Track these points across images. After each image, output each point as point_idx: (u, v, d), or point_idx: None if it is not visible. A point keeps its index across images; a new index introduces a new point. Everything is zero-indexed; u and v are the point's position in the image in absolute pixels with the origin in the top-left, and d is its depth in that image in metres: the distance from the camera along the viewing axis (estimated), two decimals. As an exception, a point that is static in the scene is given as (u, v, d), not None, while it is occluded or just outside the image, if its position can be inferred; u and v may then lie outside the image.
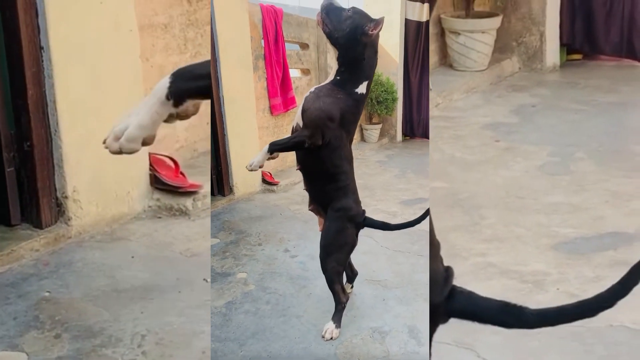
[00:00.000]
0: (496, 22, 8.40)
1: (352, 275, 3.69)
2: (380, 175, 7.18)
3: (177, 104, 1.87)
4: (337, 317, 3.28)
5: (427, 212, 3.33)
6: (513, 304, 1.91)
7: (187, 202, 4.39)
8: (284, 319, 3.42)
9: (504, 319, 1.92)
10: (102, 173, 4.08)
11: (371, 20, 3.05)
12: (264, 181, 6.44)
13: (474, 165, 5.17)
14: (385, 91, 9.02)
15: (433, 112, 7.03)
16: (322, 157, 3.18)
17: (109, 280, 3.42)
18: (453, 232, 4.09)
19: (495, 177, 4.89)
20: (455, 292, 1.98)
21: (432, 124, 7.50)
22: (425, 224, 3.47)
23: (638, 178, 4.67)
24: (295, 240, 4.72)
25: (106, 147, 1.95)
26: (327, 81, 3.22)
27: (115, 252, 3.81)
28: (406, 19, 9.49)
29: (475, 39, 8.23)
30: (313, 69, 8.42)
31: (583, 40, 8.85)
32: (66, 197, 3.89)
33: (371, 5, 8.97)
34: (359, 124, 3.47)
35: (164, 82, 1.87)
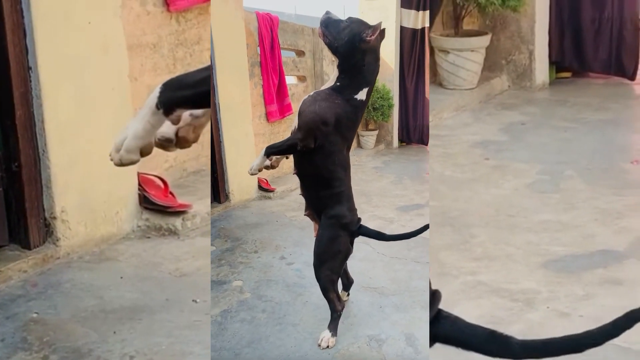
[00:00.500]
0: (485, 40, 8.43)
1: (348, 283, 3.67)
2: (376, 181, 7.19)
3: (167, 113, 1.88)
4: (332, 326, 3.27)
5: (426, 226, 3.32)
6: (499, 333, 1.90)
7: (177, 222, 4.37)
8: (280, 328, 3.41)
9: (489, 348, 1.91)
10: (91, 193, 4.07)
11: (369, 27, 3.09)
12: (260, 188, 6.43)
13: (464, 183, 5.17)
14: (381, 97, 9.07)
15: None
16: (316, 162, 3.18)
17: (98, 301, 3.40)
18: (443, 250, 4.07)
19: (485, 195, 4.89)
20: (441, 316, 1.96)
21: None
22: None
23: (627, 196, 4.67)
24: (291, 247, 4.72)
25: (111, 160, 1.98)
26: (327, 86, 3.23)
27: (104, 273, 3.79)
28: (401, 27, 9.56)
29: (465, 57, 8.26)
30: (309, 75, 8.47)
31: (572, 58, 8.89)
32: (54, 218, 3.87)
33: (367, 13, 9.09)
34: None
35: (155, 92, 1.89)
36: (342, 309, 3.34)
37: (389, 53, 9.34)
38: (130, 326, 3.14)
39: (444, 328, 1.94)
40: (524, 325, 3.17)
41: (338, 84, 3.17)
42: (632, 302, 3.09)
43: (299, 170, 3.29)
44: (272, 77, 7.13)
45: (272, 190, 6.46)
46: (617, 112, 7.15)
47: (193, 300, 3.43)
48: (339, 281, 3.45)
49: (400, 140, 10.10)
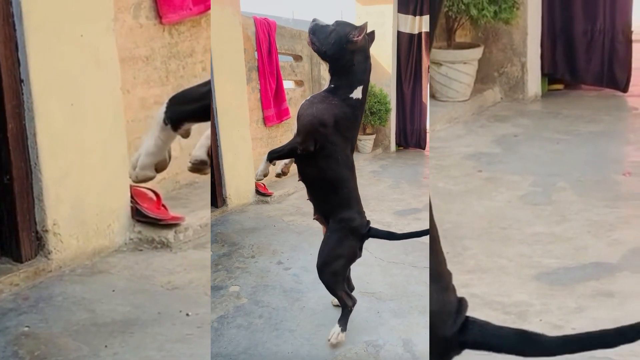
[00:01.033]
0: (478, 52, 8.45)
1: (349, 289, 3.64)
2: (374, 185, 7.20)
3: (175, 127, 1.90)
4: (343, 321, 3.29)
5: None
6: (530, 332, 1.89)
7: (169, 234, 4.36)
8: (276, 333, 3.40)
9: (521, 348, 1.91)
10: (83, 206, 4.06)
11: (355, 27, 3.10)
12: (258, 192, 6.44)
13: (456, 195, 5.17)
14: (378, 102, 9.13)
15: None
16: (318, 165, 3.19)
17: (89, 315, 3.38)
18: (436, 263, 4.06)
19: (477, 207, 4.89)
20: (468, 322, 1.96)
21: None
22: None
23: (620, 208, 4.67)
24: (288, 252, 4.72)
25: (130, 177, 2.00)
26: (322, 90, 3.26)
27: (96, 286, 3.77)
28: (398, 32, 9.62)
29: (457, 69, 8.28)
30: (306, 80, 8.51)
31: (564, 70, 8.92)
32: (46, 231, 3.86)
33: (364, 18, 9.17)
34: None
35: (162, 108, 1.90)
36: (354, 304, 3.34)
37: (386, 58, 9.42)
38: (122, 340, 3.12)
39: (473, 334, 1.94)
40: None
41: (332, 85, 3.20)
42: (624, 315, 3.11)
43: (303, 175, 3.30)
44: (270, 81, 7.18)
45: (269, 195, 6.47)
46: (610, 124, 7.17)
47: (186, 314, 3.41)
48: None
49: (398, 145, 10.18)
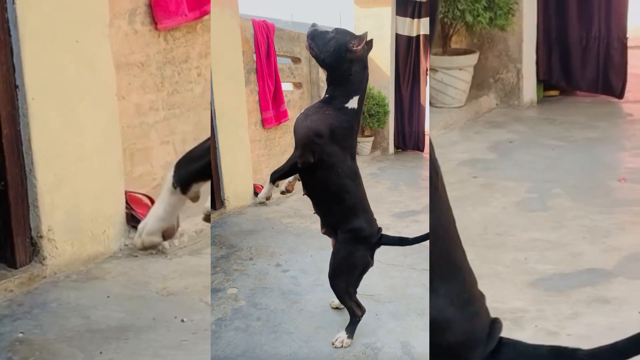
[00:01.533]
0: (473, 59, 8.47)
1: None
2: (372, 187, 7.20)
3: (184, 190, 1.89)
4: (350, 329, 3.28)
5: None
6: (564, 348, 1.87)
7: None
8: (274, 336, 3.38)
9: None
10: (78, 212, 4.05)
11: (355, 37, 3.07)
12: (256, 194, 6.42)
13: (452, 201, 5.15)
14: (376, 104, 9.12)
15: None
16: (320, 177, 3.16)
17: (84, 321, 3.38)
18: (432, 269, 4.06)
19: (473, 213, 4.89)
20: (501, 344, 1.94)
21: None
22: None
23: (615, 214, 4.68)
24: (287, 254, 4.71)
25: (134, 245, 2.00)
26: (317, 101, 3.24)
27: (91, 292, 3.76)
28: (397, 34, 9.63)
29: (453, 75, 8.29)
30: (305, 82, 8.52)
31: (559, 77, 8.94)
32: (41, 237, 3.85)
33: (362, 21, 9.25)
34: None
35: (169, 173, 1.91)
36: (363, 314, 3.32)
37: (384, 60, 9.43)
38: (116, 346, 3.12)
39: (507, 355, 1.91)
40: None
41: (327, 95, 3.17)
42: (620, 321, 3.11)
43: (307, 189, 3.28)
44: (268, 83, 7.18)
45: (260, 203, 6.46)
46: (605, 130, 7.19)
47: (181, 320, 3.41)
48: None
49: (396, 147, 10.17)
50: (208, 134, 5.62)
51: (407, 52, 9.87)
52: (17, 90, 3.70)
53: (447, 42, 8.45)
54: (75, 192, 4.03)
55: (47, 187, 3.84)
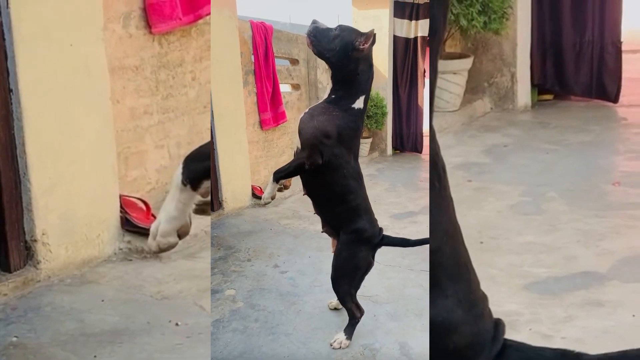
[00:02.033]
0: (467, 63, 8.48)
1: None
2: (370, 188, 7.17)
3: (194, 187, 1.88)
4: (349, 330, 3.28)
5: None
6: (570, 351, 1.87)
7: (159, 244, 4.34)
8: (272, 337, 3.38)
9: None
10: (72, 216, 4.04)
11: (361, 34, 3.03)
12: (254, 196, 6.43)
13: (446, 205, 5.17)
14: (374, 105, 9.17)
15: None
16: (325, 178, 3.13)
17: (78, 325, 3.36)
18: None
19: (467, 217, 4.89)
20: (505, 346, 1.93)
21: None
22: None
23: (609, 217, 4.69)
24: (285, 255, 4.72)
25: (148, 249, 1.99)
26: (322, 100, 3.19)
27: (85, 296, 3.75)
28: (395, 36, 9.68)
29: (447, 79, 8.31)
30: (303, 84, 8.55)
31: (554, 81, 8.96)
32: (35, 241, 3.84)
33: (360, 22, 9.34)
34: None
35: (178, 169, 1.89)
36: (362, 316, 3.32)
37: (382, 61, 9.48)
38: (111, 350, 3.11)
39: (511, 358, 1.91)
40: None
41: (333, 96, 3.13)
42: (614, 324, 3.11)
43: (309, 190, 3.26)
44: (266, 85, 7.20)
45: (264, 205, 6.46)
46: (599, 134, 7.21)
47: (175, 323, 3.40)
48: None
49: (394, 148, 10.22)
50: (203, 137, 5.62)
51: (405, 53, 9.93)
52: (11, 93, 3.68)
53: (441, 46, 8.46)
54: (70, 196, 4.02)
55: (41, 191, 3.83)
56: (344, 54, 3.02)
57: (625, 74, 8.63)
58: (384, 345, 3.28)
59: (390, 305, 3.79)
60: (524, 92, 8.75)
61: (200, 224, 4.62)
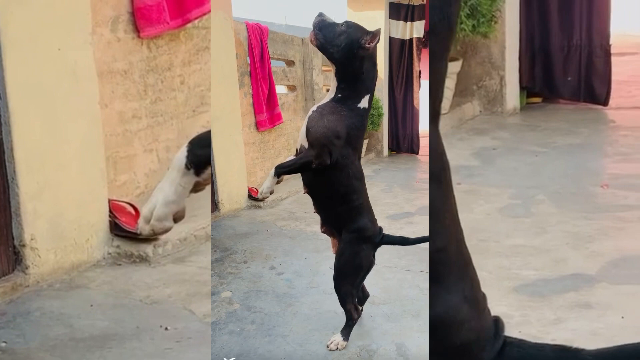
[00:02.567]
0: (456, 66, 8.50)
1: (364, 297, 3.59)
2: (367, 189, 7.23)
3: (198, 172, 1.87)
4: (346, 332, 3.28)
5: None
6: (569, 347, 1.88)
7: (148, 248, 4.33)
8: (269, 339, 3.38)
9: None
10: (61, 220, 4.03)
11: (367, 32, 3.01)
12: (250, 197, 6.44)
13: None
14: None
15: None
16: (331, 178, 3.10)
17: (67, 330, 3.35)
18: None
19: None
20: (505, 343, 1.94)
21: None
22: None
23: (598, 219, 4.70)
24: (281, 257, 4.73)
25: (140, 232, 1.96)
26: (328, 99, 3.15)
27: (74, 301, 3.74)
28: (390, 37, 9.70)
29: (436, 83, 8.31)
30: (299, 85, 8.59)
31: (542, 84, 9.00)
32: (24, 246, 3.82)
33: None
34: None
35: (182, 153, 1.88)
36: (359, 317, 3.33)
37: (378, 63, 9.51)
38: (100, 355, 3.09)
39: (511, 354, 1.92)
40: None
41: (339, 95, 3.10)
42: (603, 326, 3.12)
43: (312, 189, 3.23)
44: (262, 86, 7.21)
45: (262, 200, 6.45)
46: (587, 136, 7.23)
47: (164, 328, 3.39)
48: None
49: (390, 149, 10.25)
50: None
51: (401, 55, 9.98)
52: (-1, 98, 3.68)
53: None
54: (58, 201, 4.01)
55: (29, 196, 3.82)
56: (348, 51, 2.99)
57: (613, 77, 8.67)
58: (380, 347, 3.29)
59: (387, 306, 3.79)
60: (512, 95, 8.78)
61: (191, 227, 4.62)
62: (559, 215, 4.87)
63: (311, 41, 3.13)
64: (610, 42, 8.69)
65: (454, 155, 6.75)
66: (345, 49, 3.00)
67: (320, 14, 3.12)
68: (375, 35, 3.00)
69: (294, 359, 3.19)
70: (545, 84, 9.01)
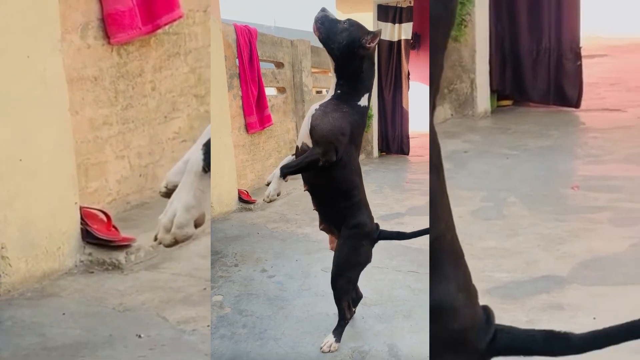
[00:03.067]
0: (427, 70, 8.53)
1: (357, 298, 3.60)
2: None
3: (209, 173, 1.84)
4: (338, 332, 3.27)
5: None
6: (557, 331, 1.90)
7: (120, 256, 4.31)
8: (261, 343, 3.37)
9: (550, 348, 1.92)
10: (32, 228, 4.00)
11: (368, 32, 3.01)
12: (241, 200, 6.42)
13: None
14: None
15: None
16: (334, 175, 3.10)
17: (39, 339, 3.32)
18: (389, 279, 4.10)
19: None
20: (496, 330, 1.97)
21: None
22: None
23: (569, 221, 4.74)
24: (272, 259, 4.72)
25: (159, 243, 1.91)
26: (329, 97, 3.15)
27: (46, 309, 3.71)
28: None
29: (407, 86, 8.35)
30: (288, 87, 8.61)
31: (512, 88, 9.07)
32: (-6, 254, 3.80)
33: None
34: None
35: (197, 156, 1.84)
36: (351, 317, 3.34)
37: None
38: (72, 363, 3.08)
39: (502, 341, 1.95)
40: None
41: (339, 91, 3.10)
42: (575, 328, 3.12)
43: (313, 186, 3.23)
44: (252, 88, 7.22)
45: (252, 202, 6.46)
46: (557, 139, 7.29)
47: (137, 335, 3.37)
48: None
49: (380, 150, 10.29)
50: (164, 148, 5.60)
51: (389, 56, 10.05)
52: (-32, 106, 3.65)
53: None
54: (29, 209, 3.98)
55: (0, 204, 3.79)
56: (349, 49, 3.00)
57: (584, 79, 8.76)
58: (372, 348, 3.28)
59: (378, 307, 3.79)
60: (483, 98, 8.83)
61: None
62: (531, 217, 4.90)
63: (314, 32, 3.13)
64: (581, 45, 8.76)
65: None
66: (346, 47, 3.01)
67: (324, 9, 3.13)
68: (376, 35, 3.01)
69: (286, 362, 3.20)
70: (516, 87, 9.08)
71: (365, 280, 4.05)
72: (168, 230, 1.88)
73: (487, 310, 2.06)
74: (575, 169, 6.26)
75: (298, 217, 6.11)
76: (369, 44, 3.00)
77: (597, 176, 5.82)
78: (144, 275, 4.24)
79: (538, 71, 8.90)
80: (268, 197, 3.04)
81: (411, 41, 10.75)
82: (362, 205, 3.27)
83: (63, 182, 4.24)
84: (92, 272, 4.26)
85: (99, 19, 4.86)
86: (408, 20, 10.27)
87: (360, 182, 3.27)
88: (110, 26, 4.92)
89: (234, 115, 6.89)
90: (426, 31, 13.84)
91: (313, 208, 3.37)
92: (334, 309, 3.59)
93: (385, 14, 10.16)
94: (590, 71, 9.44)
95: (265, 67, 8.04)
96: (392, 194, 7.21)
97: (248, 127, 7.34)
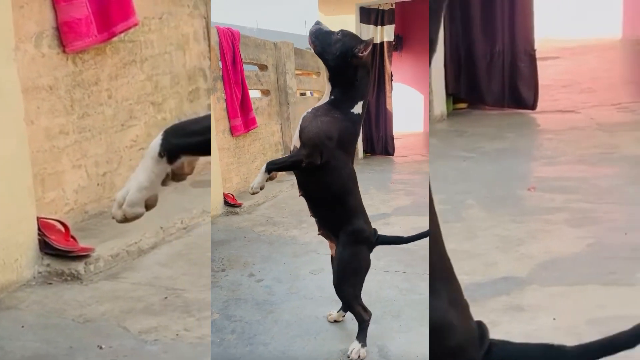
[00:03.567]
0: (383, 74, 8.57)
1: None
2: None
3: (171, 160, 1.85)
4: (362, 336, 3.24)
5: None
6: (552, 344, 1.92)
7: (79, 266, 4.27)
8: (250, 348, 3.34)
9: None
10: (-12, 240, 3.95)
11: (361, 42, 3.05)
12: (227, 203, 6.39)
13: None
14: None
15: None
16: (324, 179, 3.13)
17: (-2, 352, 3.29)
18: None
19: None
20: (491, 345, 1.97)
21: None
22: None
23: (526, 222, 4.79)
24: (260, 263, 4.71)
25: (113, 218, 1.91)
26: (323, 101, 3.18)
27: (4, 322, 3.66)
28: (361, 41, 9.86)
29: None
30: (273, 89, 8.61)
31: (468, 91, 9.15)
32: (-50, 268, 3.74)
33: None
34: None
35: (156, 140, 1.85)
36: (370, 317, 3.30)
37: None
38: (33, 377, 3.05)
39: (498, 355, 1.95)
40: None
41: (333, 97, 3.14)
42: (535, 328, 3.18)
43: (307, 191, 3.24)
44: (235, 91, 7.19)
45: (238, 206, 6.42)
46: (513, 141, 7.37)
47: (98, 346, 3.34)
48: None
49: (365, 151, 10.32)
50: (121, 156, 5.56)
51: (372, 58, 10.07)
52: None
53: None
54: (-15, 220, 3.93)
55: (-45, 216, 3.74)
56: (343, 59, 3.04)
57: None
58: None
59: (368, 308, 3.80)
60: (439, 101, 8.90)
61: (123, 243, 4.58)
62: (489, 219, 4.94)
63: (310, 45, 3.17)
64: (536, 47, 8.87)
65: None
66: (339, 57, 3.05)
67: (318, 22, 3.18)
68: (368, 44, 3.04)
69: (276, 366, 3.18)
70: (471, 91, 9.16)
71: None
72: (120, 206, 1.90)
73: (481, 326, 2.07)
74: (532, 170, 6.33)
75: (285, 219, 6.09)
76: (361, 53, 3.03)
77: (552, 177, 5.89)
78: (104, 285, 4.21)
79: (493, 74, 8.99)
80: (252, 189, 3.05)
81: (394, 43, 10.85)
82: (358, 210, 3.29)
83: (19, 192, 4.19)
84: (51, 284, 4.21)
85: (53, 27, 4.82)
86: (390, 23, 10.37)
87: (355, 188, 3.29)
88: (65, 34, 4.88)
89: (218, 118, 6.87)
90: (408, 33, 13.95)
91: (310, 215, 3.38)
92: (323, 312, 3.61)
93: (367, 16, 10.25)
94: (543, 73, 9.55)
95: (249, 70, 8.02)
96: (378, 195, 7.26)
97: (233, 130, 7.32)
